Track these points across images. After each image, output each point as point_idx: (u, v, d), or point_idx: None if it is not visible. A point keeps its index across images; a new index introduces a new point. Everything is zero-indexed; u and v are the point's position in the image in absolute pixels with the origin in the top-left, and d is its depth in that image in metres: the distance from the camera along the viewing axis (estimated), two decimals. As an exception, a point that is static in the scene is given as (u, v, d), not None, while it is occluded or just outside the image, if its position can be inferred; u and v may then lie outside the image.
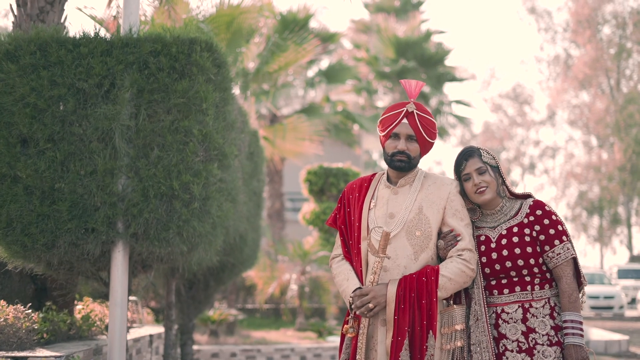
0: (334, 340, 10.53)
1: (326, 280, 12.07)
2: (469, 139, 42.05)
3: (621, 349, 10.90)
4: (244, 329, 11.68)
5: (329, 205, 14.06)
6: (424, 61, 22.67)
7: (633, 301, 22.23)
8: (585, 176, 34.39)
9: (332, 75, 17.69)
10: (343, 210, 3.31)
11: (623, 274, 24.19)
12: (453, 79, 23.95)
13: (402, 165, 3.15)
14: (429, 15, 57.50)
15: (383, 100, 25.37)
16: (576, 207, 35.79)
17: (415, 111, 3.13)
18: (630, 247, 32.96)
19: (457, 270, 3.02)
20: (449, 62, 24.80)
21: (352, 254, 3.23)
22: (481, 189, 3.15)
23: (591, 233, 35.64)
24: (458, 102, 24.57)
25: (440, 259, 3.13)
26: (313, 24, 17.72)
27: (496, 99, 42.09)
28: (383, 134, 3.20)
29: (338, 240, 3.34)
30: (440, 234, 3.13)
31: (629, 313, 20.57)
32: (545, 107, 40.14)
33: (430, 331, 2.98)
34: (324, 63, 21.06)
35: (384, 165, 40.02)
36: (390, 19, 23.76)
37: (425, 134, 3.15)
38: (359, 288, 3.08)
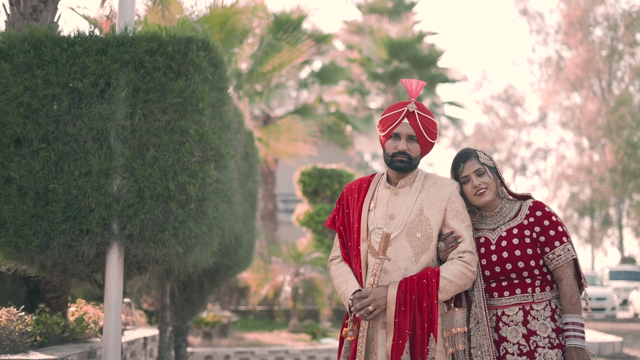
0: (328, 342, 10.49)
1: (320, 282, 12.02)
2: (461, 141, 42.08)
3: (615, 350, 10.92)
4: (238, 331, 11.62)
5: (323, 206, 14.01)
6: (416, 62, 22.67)
7: (625, 302, 22.31)
8: (577, 178, 34.51)
9: (325, 76, 17.68)
10: (342, 211, 3.27)
11: (615, 275, 24.30)
12: (445, 80, 24.00)
13: (402, 166, 3.11)
14: (422, 17, 57.54)
15: (376, 102, 25.36)
16: (567, 209, 35.92)
17: (416, 111, 3.09)
18: (621, 248, 33.11)
19: (457, 272, 2.98)
20: (441, 63, 24.89)
21: (351, 255, 3.18)
22: (481, 191, 3.13)
23: (582, 234, 35.78)
24: (450, 103, 24.63)
25: (441, 261, 3.10)
26: (306, 25, 17.66)
27: (488, 101, 42.18)
28: (383, 134, 3.15)
29: (337, 242, 3.29)
30: (440, 236, 3.09)
31: (620, 314, 20.68)
32: (537, 108, 40.29)
33: (432, 334, 2.94)
34: (317, 64, 21.08)
35: (376, 166, 40.04)
36: (383, 20, 23.77)
37: (426, 134, 3.12)
38: (359, 290, 3.04)
